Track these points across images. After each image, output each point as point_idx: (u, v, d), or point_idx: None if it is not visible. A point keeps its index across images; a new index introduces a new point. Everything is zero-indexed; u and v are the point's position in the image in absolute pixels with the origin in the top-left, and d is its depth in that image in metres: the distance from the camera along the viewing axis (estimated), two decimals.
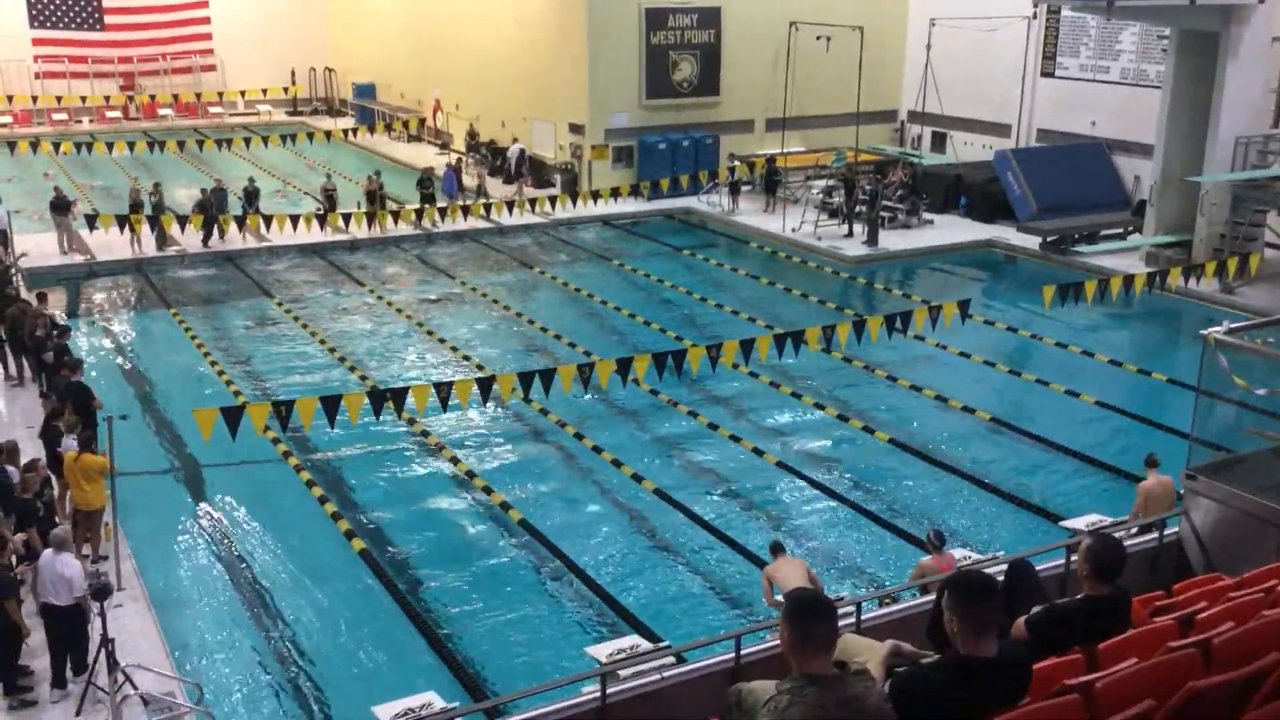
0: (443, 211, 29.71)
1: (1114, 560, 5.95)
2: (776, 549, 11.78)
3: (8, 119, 44.45)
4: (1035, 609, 6.08)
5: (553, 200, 29.83)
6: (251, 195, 29.02)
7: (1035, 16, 31.23)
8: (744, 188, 32.52)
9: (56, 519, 12.78)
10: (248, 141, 34.09)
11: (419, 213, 29.80)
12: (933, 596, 10.19)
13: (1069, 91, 31.28)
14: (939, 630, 5.12)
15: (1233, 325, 10.17)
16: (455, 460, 16.55)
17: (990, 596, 4.77)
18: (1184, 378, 17.45)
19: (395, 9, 44.81)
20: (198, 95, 48.40)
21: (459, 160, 35.40)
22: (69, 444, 13.67)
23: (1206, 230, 24.92)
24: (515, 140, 35.91)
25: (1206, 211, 24.84)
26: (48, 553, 11.02)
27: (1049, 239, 27.53)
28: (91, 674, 10.41)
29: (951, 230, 29.72)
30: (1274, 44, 24.76)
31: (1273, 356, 10.56)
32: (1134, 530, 11.03)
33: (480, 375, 17.37)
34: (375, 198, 29.95)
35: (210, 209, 27.52)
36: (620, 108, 33.32)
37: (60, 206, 26.73)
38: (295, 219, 26.92)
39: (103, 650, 10.06)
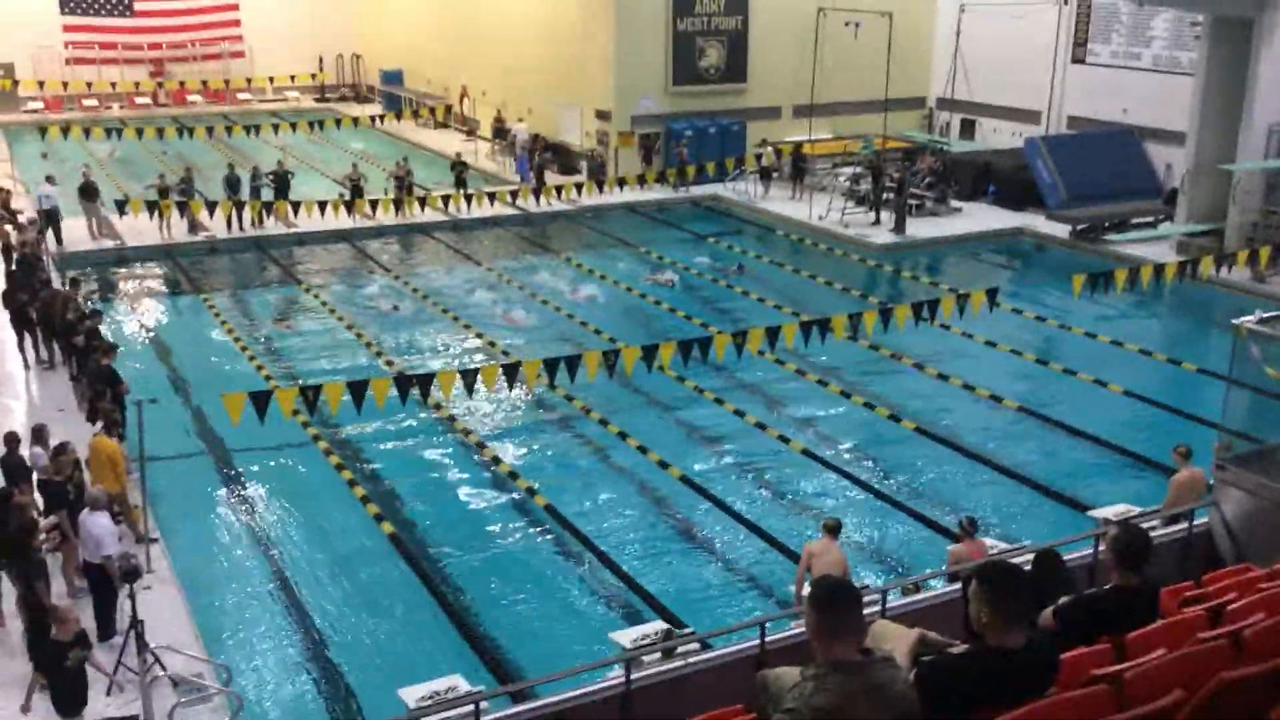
0: (469, 198, 29.68)
1: (1139, 549, 5.92)
2: (834, 529, 11.33)
3: (39, 104, 44.84)
4: (1063, 599, 6.05)
5: (579, 187, 29.85)
6: (281, 179, 29.09)
7: (1066, 2, 30.96)
8: (773, 175, 32.40)
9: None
10: (276, 128, 34.22)
11: (446, 199, 29.85)
12: (954, 581, 10.21)
13: (1100, 78, 30.96)
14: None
15: (1265, 315, 10.08)
16: (481, 445, 16.61)
17: (1021, 587, 4.76)
18: (1215, 367, 17.30)
19: None
20: (226, 81, 48.65)
21: (532, 142, 35.25)
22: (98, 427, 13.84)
23: (1239, 218, 24.66)
24: (520, 120, 35.96)
25: (1239, 200, 24.58)
26: (84, 511, 11.55)
27: (1079, 227, 27.31)
28: (121, 655, 10.53)
29: (980, 218, 29.54)
30: None
31: None
32: (1160, 520, 10.94)
33: (506, 361, 17.41)
34: (403, 184, 30.01)
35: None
36: (647, 94, 33.25)
37: (89, 192, 26.90)
38: (323, 205, 27.02)
39: (132, 632, 10.17)
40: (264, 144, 37.05)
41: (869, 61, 31.34)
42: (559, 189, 29.75)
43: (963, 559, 10.97)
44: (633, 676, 8.01)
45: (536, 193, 29.56)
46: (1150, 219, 27.82)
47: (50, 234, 25.56)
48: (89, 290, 22.92)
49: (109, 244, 26.90)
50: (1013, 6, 31.46)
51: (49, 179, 27.18)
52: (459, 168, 31.38)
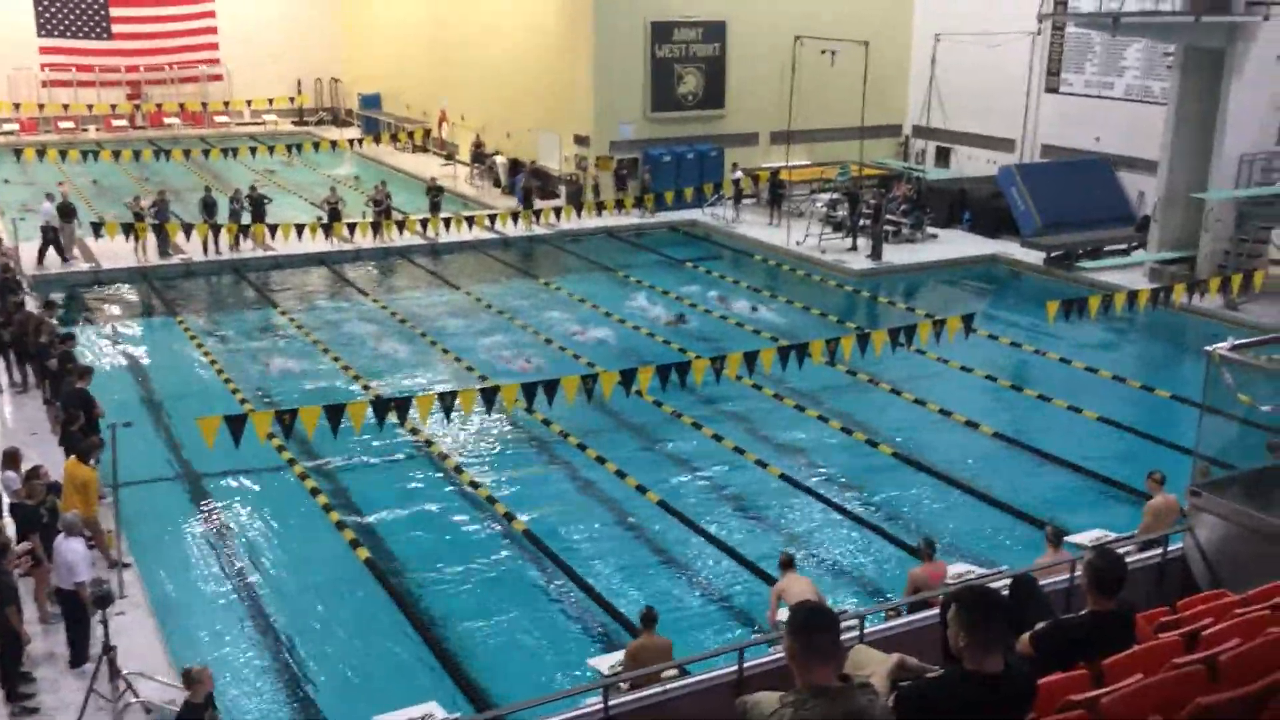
0: (447, 222, 29.67)
1: (1114, 575, 5.94)
2: (787, 563, 11.60)
3: (15, 127, 44.64)
4: (1040, 624, 6.07)
5: (557, 211, 29.90)
6: (256, 203, 29.01)
7: (1040, 32, 31.28)
8: (745, 200, 32.62)
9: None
10: (253, 151, 34.15)
11: (424, 223, 29.87)
12: (928, 607, 10.31)
13: (1073, 107, 31.31)
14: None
15: (1237, 341, 10.16)
16: (459, 470, 16.55)
17: (997, 612, 4.76)
18: (1188, 394, 17.43)
19: (402, 20, 44.97)
20: (204, 104, 48.59)
21: (513, 167, 35.35)
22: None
23: (1211, 246, 24.92)
24: (498, 153, 36.21)
25: (1211, 228, 24.85)
26: (59, 536, 11.43)
27: (1053, 254, 27.54)
28: (93, 681, 10.41)
29: (955, 245, 29.74)
30: (1279, 61, 24.77)
31: (1277, 373, 10.56)
32: (1135, 546, 11.01)
33: (483, 385, 17.37)
34: (381, 207, 29.96)
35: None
36: (626, 120, 33.41)
37: (66, 213, 26.72)
38: (300, 229, 26.96)
39: (104, 658, 10.07)
40: (245, 168, 36.96)
41: (845, 89, 31.60)
42: (537, 213, 29.84)
43: (920, 581, 11.18)
44: (610, 703, 7.98)
45: (515, 216, 29.57)
46: (1123, 246, 28.09)
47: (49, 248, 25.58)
48: (63, 313, 22.74)
49: (84, 266, 26.75)
50: (987, 36, 31.79)
51: (49, 196, 27.24)
52: (434, 192, 31.34)
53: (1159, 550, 9.97)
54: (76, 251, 27.06)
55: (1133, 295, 19.76)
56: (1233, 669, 5.52)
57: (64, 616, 11.46)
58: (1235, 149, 24.35)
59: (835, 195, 31.06)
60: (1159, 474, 12.55)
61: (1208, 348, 10.07)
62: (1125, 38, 28.32)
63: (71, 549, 11.18)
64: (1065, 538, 12.58)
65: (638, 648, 10.26)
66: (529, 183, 32.91)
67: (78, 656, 11.24)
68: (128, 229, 26.20)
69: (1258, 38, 23.78)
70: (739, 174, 32.43)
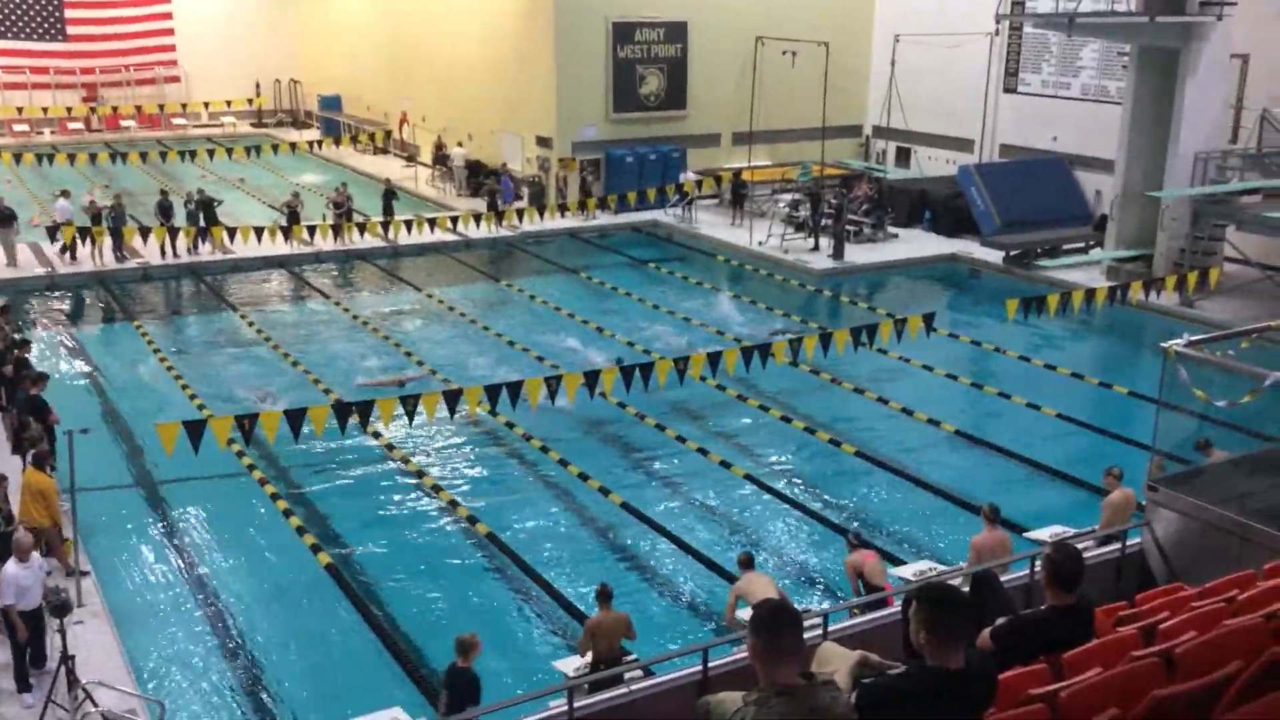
0: (409, 224, 29.52)
1: (1073, 570, 6.01)
2: (746, 562, 11.71)
3: None
4: (1000, 620, 6.12)
5: (520, 213, 29.85)
6: (206, 205, 28.68)
7: (998, 33, 31.55)
8: (700, 202, 32.71)
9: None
10: (211, 153, 33.84)
11: (386, 225, 29.69)
12: (871, 594, 10.54)
13: (1031, 107, 31.61)
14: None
15: (1193, 338, 10.29)
16: (421, 474, 16.47)
17: (959, 608, 4.80)
18: (1145, 390, 17.62)
19: (362, 21, 44.71)
20: (161, 107, 48.04)
21: (504, 166, 35.25)
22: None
23: (1167, 244, 25.20)
24: (460, 144, 36.02)
25: (1167, 226, 25.13)
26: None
27: (1012, 253, 27.78)
28: (51, 691, 10.27)
29: (916, 244, 29.94)
30: (1232, 61, 25.12)
31: (1232, 369, 10.70)
32: (1094, 541, 11.12)
33: (446, 388, 17.29)
34: (343, 210, 29.76)
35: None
36: (588, 121, 33.39)
37: (4, 218, 26.29)
38: (259, 231, 26.73)
39: (62, 667, 9.93)
40: (208, 171, 36.58)
41: (806, 90, 31.75)
42: (500, 215, 29.78)
43: (857, 567, 11.69)
44: (575, 705, 7.97)
45: (478, 218, 29.48)
46: (1081, 245, 28.36)
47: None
48: (18, 318, 22.44)
49: (39, 271, 26.39)
50: (946, 37, 32.03)
51: (64, 193, 27.24)
52: (387, 194, 31.05)
53: (1117, 545, 10.08)
54: (31, 255, 26.70)
55: (1090, 293, 19.97)
56: (1189, 661, 5.59)
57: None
58: (1190, 148, 24.65)
59: (797, 195, 31.19)
60: (1117, 470, 12.69)
61: (1164, 344, 10.18)
62: (1081, 38, 28.62)
63: (7, 569, 10.87)
64: (1024, 534, 12.72)
65: (594, 623, 10.69)
66: (494, 185, 32.77)
67: (22, 680, 10.97)
68: (84, 233, 25.86)
69: (1211, 37, 24.08)
70: (689, 175, 32.54)
